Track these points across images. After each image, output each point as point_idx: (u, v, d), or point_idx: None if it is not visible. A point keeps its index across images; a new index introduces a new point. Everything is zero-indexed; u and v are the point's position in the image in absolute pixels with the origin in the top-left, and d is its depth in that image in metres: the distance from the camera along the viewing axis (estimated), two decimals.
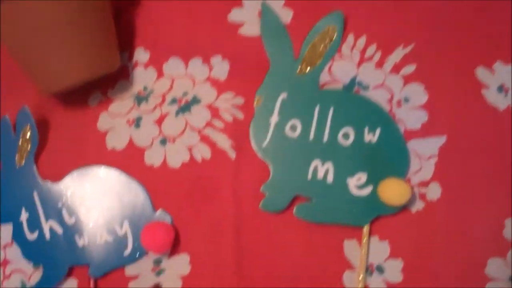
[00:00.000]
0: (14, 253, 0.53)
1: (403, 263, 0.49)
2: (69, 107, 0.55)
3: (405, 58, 0.52)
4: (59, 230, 0.51)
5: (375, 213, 0.48)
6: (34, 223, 0.52)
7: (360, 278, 0.48)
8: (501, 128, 0.51)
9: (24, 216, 0.52)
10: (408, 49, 0.52)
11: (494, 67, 0.52)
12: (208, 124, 0.53)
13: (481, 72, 0.51)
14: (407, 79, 0.52)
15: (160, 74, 0.55)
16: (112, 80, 0.56)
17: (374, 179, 0.48)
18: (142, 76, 0.56)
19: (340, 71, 0.52)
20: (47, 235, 0.51)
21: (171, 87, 0.54)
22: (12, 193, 0.53)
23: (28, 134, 0.52)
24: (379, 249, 0.49)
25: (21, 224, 0.52)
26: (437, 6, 0.53)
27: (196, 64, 0.54)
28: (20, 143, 0.52)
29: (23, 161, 0.52)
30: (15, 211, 0.52)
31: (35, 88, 0.53)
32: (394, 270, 0.49)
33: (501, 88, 0.51)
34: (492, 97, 0.51)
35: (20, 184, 0.52)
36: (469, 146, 0.50)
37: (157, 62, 0.56)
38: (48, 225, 0.51)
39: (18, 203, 0.52)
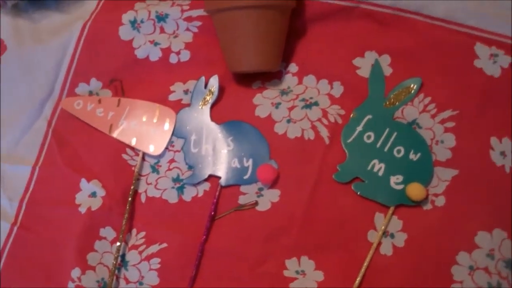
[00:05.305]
0: (179, 157, 0.75)
1: (408, 236, 0.70)
2: (238, 84, 0.77)
3: (448, 118, 0.71)
4: (210, 152, 0.74)
5: (400, 202, 0.70)
6: (198, 143, 0.74)
7: (378, 235, 0.71)
8: None
9: (193, 137, 0.75)
10: (450, 113, 0.71)
11: None
12: (319, 120, 0.73)
13: None
14: (446, 128, 0.71)
15: (300, 82, 0.75)
16: (269, 76, 0.76)
17: (406, 181, 0.70)
18: (289, 80, 0.76)
19: (408, 113, 0.72)
20: (203, 152, 0.74)
21: (304, 91, 0.75)
22: (190, 122, 0.75)
23: (213, 89, 0.75)
24: (395, 223, 0.70)
25: (189, 141, 0.75)
26: None
27: (323, 83, 0.75)
28: (206, 95, 0.76)
29: (203, 106, 0.76)
30: (188, 133, 0.75)
31: (224, 66, 0.75)
32: (401, 238, 0.70)
33: None
34: None
35: (197, 119, 0.75)
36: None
37: (300, 75, 0.76)
38: (205, 147, 0.74)
39: (192, 128, 0.75)
